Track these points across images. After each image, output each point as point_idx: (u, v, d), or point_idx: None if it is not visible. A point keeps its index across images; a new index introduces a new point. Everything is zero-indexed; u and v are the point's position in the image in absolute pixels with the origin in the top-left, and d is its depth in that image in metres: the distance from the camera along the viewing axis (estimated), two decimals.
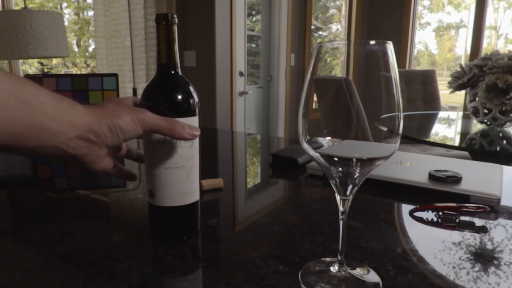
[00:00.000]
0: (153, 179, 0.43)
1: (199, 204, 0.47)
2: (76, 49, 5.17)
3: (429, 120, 2.22)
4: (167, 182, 0.43)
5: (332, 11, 4.34)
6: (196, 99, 0.44)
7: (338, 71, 0.34)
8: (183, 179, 0.43)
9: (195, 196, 0.46)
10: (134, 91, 2.27)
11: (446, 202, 0.55)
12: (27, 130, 0.32)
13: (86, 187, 0.69)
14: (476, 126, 1.79)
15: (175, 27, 0.43)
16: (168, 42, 0.42)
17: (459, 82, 1.66)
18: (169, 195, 0.43)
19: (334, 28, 4.35)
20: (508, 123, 1.61)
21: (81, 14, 5.27)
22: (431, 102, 2.94)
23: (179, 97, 0.42)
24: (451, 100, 5.21)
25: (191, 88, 0.44)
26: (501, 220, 0.53)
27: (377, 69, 0.32)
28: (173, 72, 0.43)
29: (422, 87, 2.96)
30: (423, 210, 0.55)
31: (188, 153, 0.43)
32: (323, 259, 0.42)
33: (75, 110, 0.35)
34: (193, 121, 0.43)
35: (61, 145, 0.34)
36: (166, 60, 0.43)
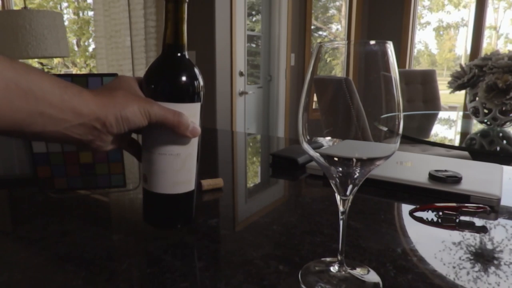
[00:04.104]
0: (147, 164, 0.42)
1: (194, 194, 0.45)
2: (76, 49, 5.17)
3: (429, 120, 2.22)
4: (160, 169, 0.41)
5: (332, 11, 4.34)
6: (201, 83, 0.41)
7: (338, 71, 0.34)
8: (177, 168, 0.41)
9: (189, 186, 0.44)
10: None
11: (446, 202, 0.55)
12: (29, 117, 0.32)
13: (86, 187, 0.69)
14: (476, 126, 1.79)
15: (185, 6, 0.40)
16: (175, 21, 0.39)
17: (459, 82, 1.66)
18: (162, 182, 0.41)
19: (334, 28, 4.35)
20: (508, 123, 1.61)
21: (81, 14, 5.27)
22: (431, 102, 2.95)
23: (182, 82, 0.40)
24: (451, 100, 5.21)
25: (197, 72, 0.41)
26: (501, 220, 0.53)
27: (377, 69, 0.32)
28: (179, 54, 0.40)
29: (422, 87, 2.97)
30: (423, 210, 0.55)
31: (185, 141, 0.41)
32: (323, 259, 0.42)
33: (81, 98, 0.35)
34: (195, 107, 0.41)
35: (65, 131, 0.35)
36: (172, 40, 0.40)
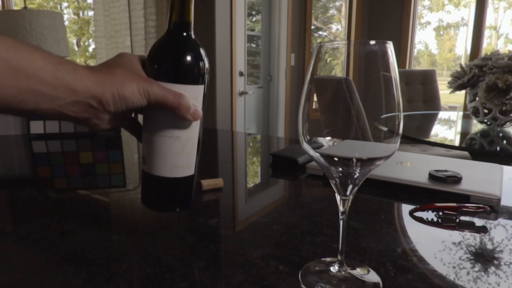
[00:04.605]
0: (146, 145, 0.40)
1: (194, 179, 0.43)
2: (76, 49, 5.17)
3: (429, 120, 2.22)
4: (159, 151, 0.39)
5: (332, 11, 4.34)
6: (207, 65, 0.39)
7: (338, 71, 0.34)
8: (177, 151, 0.40)
9: (188, 171, 0.42)
10: None
11: (446, 202, 0.55)
12: (20, 94, 0.31)
13: (86, 187, 0.69)
14: (476, 126, 1.79)
15: None
16: None
17: (459, 82, 1.66)
18: (160, 164, 0.40)
19: (334, 28, 4.35)
20: (508, 123, 1.61)
21: (81, 14, 5.27)
22: (431, 102, 2.94)
23: (185, 62, 0.38)
24: (451, 100, 5.21)
25: (202, 54, 0.39)
26: (501, 220, 0.53)
27: (377, 69, 0.32)
28: (185, 34, 0.38)
29: (422, 87, 2.96)
30: (423, 210, 0.55)
31: (185, 124, 0.39)
32: (323, 259, 0.42)
33: (76, 74, 0.33)
34: (198, 90, 0.39)
35: (59, 108, 0.34)
36: (178, 18, 0.38)
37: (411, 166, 0.72)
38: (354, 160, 0.33)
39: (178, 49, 0.38)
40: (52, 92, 0.32)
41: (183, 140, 0.40)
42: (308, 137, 0.35)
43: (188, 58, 0.38)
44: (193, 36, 0.39)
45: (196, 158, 0.42)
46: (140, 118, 0.43)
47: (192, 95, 0.38)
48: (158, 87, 0.36)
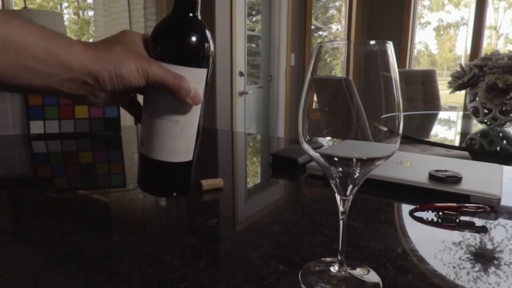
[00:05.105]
0: (145, 126, 0.39)
1: (192, 165, 0.42)
2: None
3: (429, 120, 2.22)
4: (157, 134, 0.38)
5: (332, 11, 4.34)
6: (211, 48, 0.38)
7: (338, 71, 0.34)
8: (175, 135, 0.38)
9: (187, 156, 0.40)
10: None
11: (446, 202, 0.55)
12: (10, 70, 0.30)
13: (86, 187, 0.69)
14: (476, 126, 1.79)
15: None
16: None
17: (459, 82, 1.66)
18: (158, 148, 0.39)
19: (334, 28, 4.35)
20: (508, 123, 1.61)
21: (81, 14, 5.27)
22: (431, 102, 2.95)
23: (189, 44, 0.36)
24: (451, 100, 5.21)
25: (207, 36, 0.37)
26: (501, 220, 0.53)
27: (377, 69, 0.32)
28: (191, 14, 0.37)
29: (422, 87, 2.97)
30: (423, 210, 0.55)
31: (185, 108, 0.38)
32: (323, 259, 0.42)
33: (70, 50, 0.32)
34: (201, 73, 0.38)
35: (53, 85, 0.33)
36: None
37: (411, 166, 0.72)
38: (354, 160, 0.33)
39: (182, 29, 0.37)
40: (45, 68, 0.32)
41: (183, 124, 0.39)
42: (308, 137, 0.35)
43: (192, 39, 0.36)
44: (199, 17, 0.38)
45: (196, 144, 0.41)
46: (140, 98, 0.42)
47: (194, 79, 0.37)
48: (158, 67, 0.35)
